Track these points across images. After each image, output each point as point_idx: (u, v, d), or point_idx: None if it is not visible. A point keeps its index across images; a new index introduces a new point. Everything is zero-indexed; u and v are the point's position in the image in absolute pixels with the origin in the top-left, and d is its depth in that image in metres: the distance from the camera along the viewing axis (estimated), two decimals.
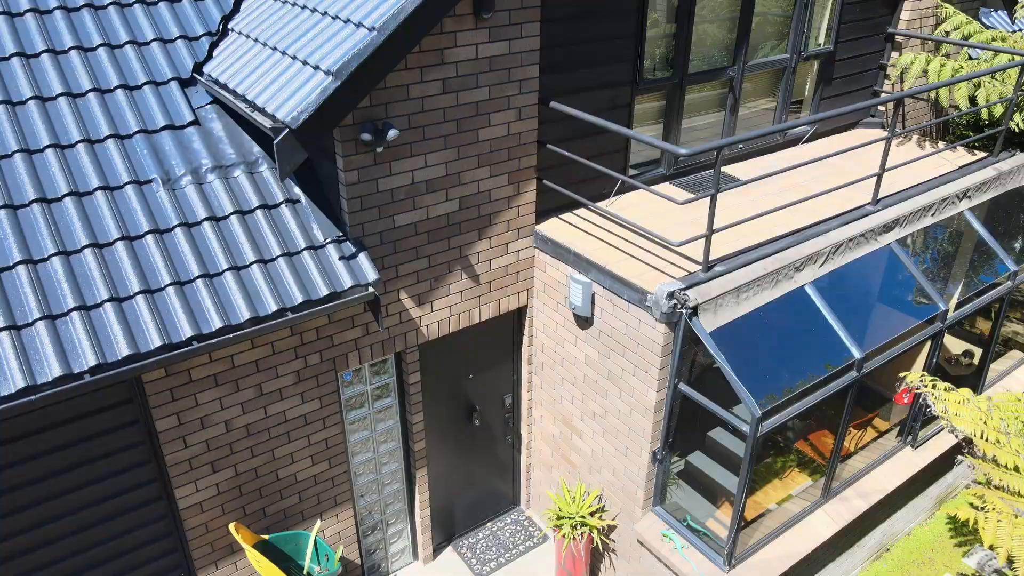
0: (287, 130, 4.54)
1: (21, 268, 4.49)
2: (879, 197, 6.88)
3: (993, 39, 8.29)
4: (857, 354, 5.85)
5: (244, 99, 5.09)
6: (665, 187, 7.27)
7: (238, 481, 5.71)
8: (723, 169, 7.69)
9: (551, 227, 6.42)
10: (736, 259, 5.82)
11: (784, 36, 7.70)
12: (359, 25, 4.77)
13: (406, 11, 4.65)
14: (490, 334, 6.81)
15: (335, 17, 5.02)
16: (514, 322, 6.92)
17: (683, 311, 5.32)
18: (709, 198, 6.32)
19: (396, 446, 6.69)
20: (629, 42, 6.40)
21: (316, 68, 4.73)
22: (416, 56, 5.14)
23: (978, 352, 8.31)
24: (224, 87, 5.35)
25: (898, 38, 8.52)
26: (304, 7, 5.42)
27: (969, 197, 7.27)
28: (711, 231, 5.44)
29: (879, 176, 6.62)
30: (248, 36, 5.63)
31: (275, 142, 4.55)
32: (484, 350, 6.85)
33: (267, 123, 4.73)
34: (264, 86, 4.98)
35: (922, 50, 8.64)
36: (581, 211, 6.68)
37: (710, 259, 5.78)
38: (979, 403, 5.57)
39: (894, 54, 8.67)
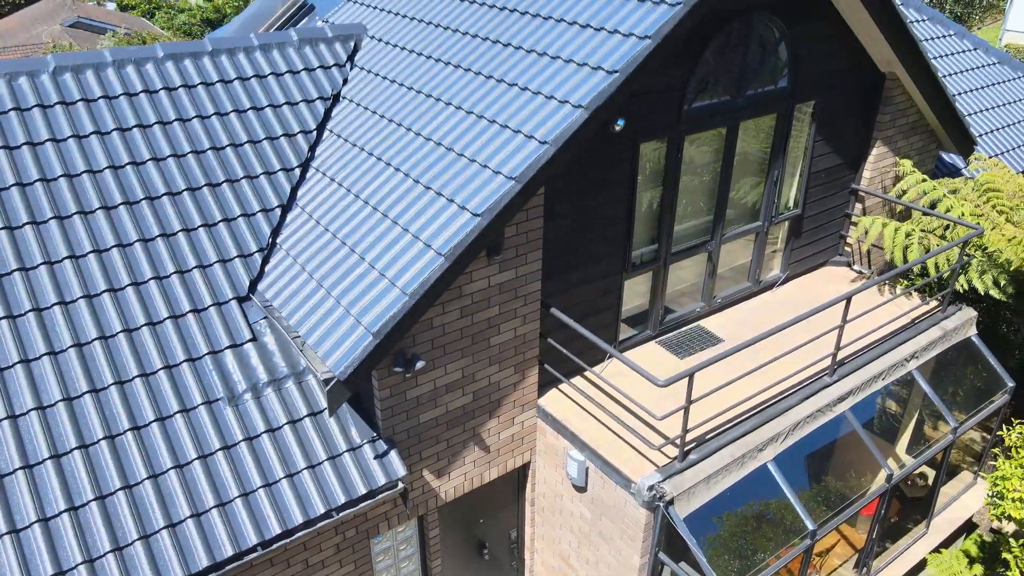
0: (336, 380, 5.59)
1: (121, 493, 5.54)
2: (837, 360, 7.88)
3: (945, 194, 9.30)
4: (810, 526, 6.89)
5: (295, 333, 6.13)
6: (651, 346, 8.31)
7: None
8: (702, 323, 8.73)
9: (552, 400, 7.46)
10: (709, 444, 6.85)
11: (757, 204, 8.73)
12: (393, 285, 5.82)
13: (430, 281, 5.70)
14: (499, 485, 7.85)
15: (372, 266, 6.06)
16: (519, 474, 7.96)
17: (660, 503, 6.36)
18: (689, 384, 7.33)
19: None
20: (618, 242, 7.44)
21: (358, 322, 5.77)
22: None
23: (932, 473, 9.35)
24: (277, 315, 6.40)
25: (861, 192, 9.56)
26: (343, 244, 6.47)
27: (917, 357, 8.31)
28: (686, 430, 6.48)
29: (836, 349, 7.62)
30: (295, 260, 6.67)
31: (327, 390, 5.60)
32: (493, 498, 7.90)
33: (318, 369, 5.78)
34: (313, 324, 6.04)
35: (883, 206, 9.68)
36: (578, 379, 7.71)
37: (686, 440, 6.81)
38: None
39: (858, 206, 9.71)
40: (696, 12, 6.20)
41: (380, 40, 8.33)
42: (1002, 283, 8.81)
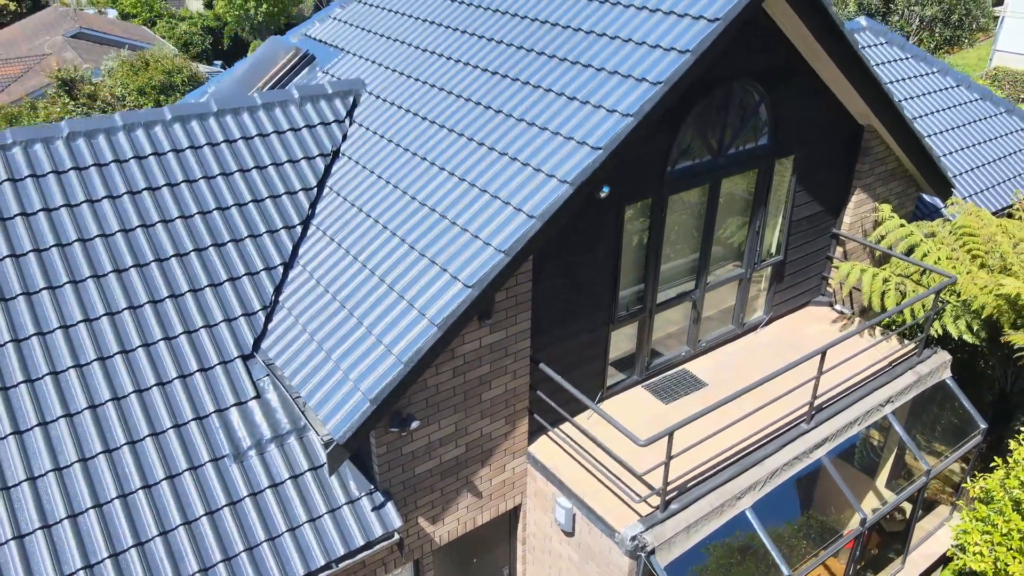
0: (335, 444, 5.95)
1: (133, 551, 5.91)
2: (814, 406, 8.24)
3: (922, 239, 9.66)
4: (786, 571, 7.26)
5: (297, 394, 6.50)
6: (638, 391, 8.67)
7: None
8: (686, 367, 9.09)
9: (541, 447, 7.83)
10: (690, 493, 7.22)
11: (740, 252, 9.09)
12: (389, 351, 6.18)
13: (424, 349, 6.06)
14: (491, 527, 8.22)
15: (369, 331, 6.42)
16: (511, 515, 8.33)
17: (642, 552, 6.74)
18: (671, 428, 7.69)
19: None
20: (605, 297, 7.80)
21: (356, 387, 6.14)
22: None
23: (910, 506, 9.71)
24: (280, 373, 6.76)
25: (842, 236, 9.92)
26: (342, 307, 6.83)
27: (892, 402, 8.67)
28: (667, 482, 6.85)
29: (813, 397, 7.98)
30: (297, 320, 7.04)
31: (327, 453, 5.97)
32: (486, 539, 8.26)
33: (319, 430, 6.15)
34: (313, 386, 6.40)
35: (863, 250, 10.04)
36: (566, 426, 8.07)
37: (668, 491, 7.17)
38: None
39: (839, 248, 10.07)
40: (676, 90, 6.57)
41: (378, 97, 8.68)
42: (975, 328, 9.17)
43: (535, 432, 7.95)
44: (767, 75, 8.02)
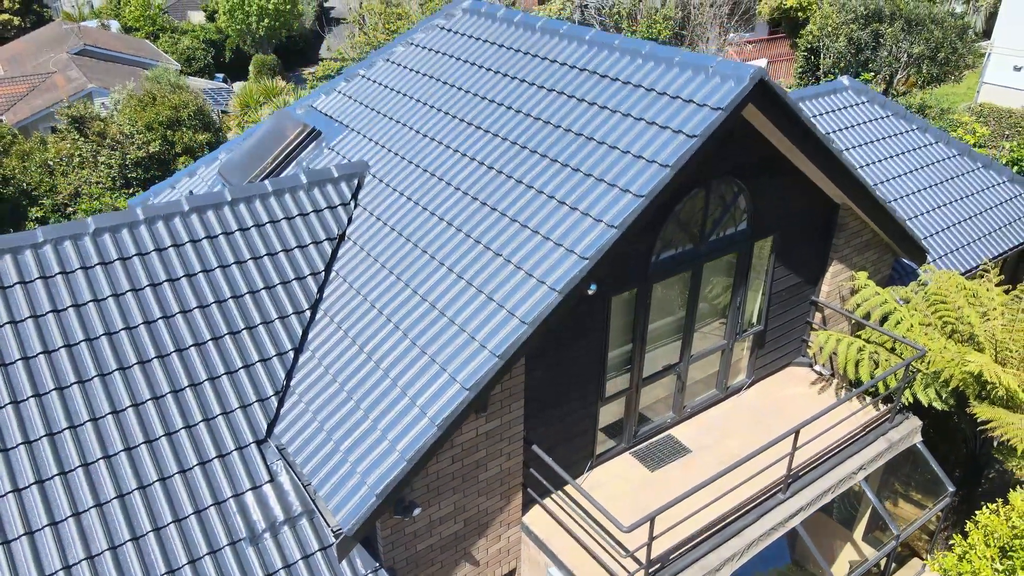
0: (344, 535, 6.52)
1: None
2: (791, 475, 8.81)
3: (897, 306, 10.22)
4: None
5: (308, 482, 7.06)
6: (626, 457, 9.24)
7: None
8: (672, 432, 9.67)
9: (535, 518, 8.40)
10: (673, 564, 7.79)
11: (723, 324, 9.65)
12: (393, 448, 6.74)
13: (426, 447, 6.63)
14: None
15: (375, 425, 6.99)
16: None
17: None
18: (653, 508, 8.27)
19: None
20: (593, 380, 8.37)
21: (363, 482, 6.70)
22: None
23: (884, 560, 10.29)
24: (292, 459, 7.32)
25: (820, 303, 10.48)
26: (350, 398, 7.39)
27: (864, 469, 9.24)
28: (649, 563, 7.42)
29: (788, 470, 8.54)
30: (308, 407, 7.59)
31: (336, 543, 6.54)
32: None
33: (329, 520, 6.71)
34: (323, 476, 6.97)
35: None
36: (558, 494, 8.64)
37: (650, 571, 7.74)
38: None
39: (818, 314, 10.63)
40: (658, 200, 7.12)
41: (381, 180, 9.24)
42: (944, 395, 9.74)
43: (529, 503, 8.51)
44: (746, 171, 8.57)
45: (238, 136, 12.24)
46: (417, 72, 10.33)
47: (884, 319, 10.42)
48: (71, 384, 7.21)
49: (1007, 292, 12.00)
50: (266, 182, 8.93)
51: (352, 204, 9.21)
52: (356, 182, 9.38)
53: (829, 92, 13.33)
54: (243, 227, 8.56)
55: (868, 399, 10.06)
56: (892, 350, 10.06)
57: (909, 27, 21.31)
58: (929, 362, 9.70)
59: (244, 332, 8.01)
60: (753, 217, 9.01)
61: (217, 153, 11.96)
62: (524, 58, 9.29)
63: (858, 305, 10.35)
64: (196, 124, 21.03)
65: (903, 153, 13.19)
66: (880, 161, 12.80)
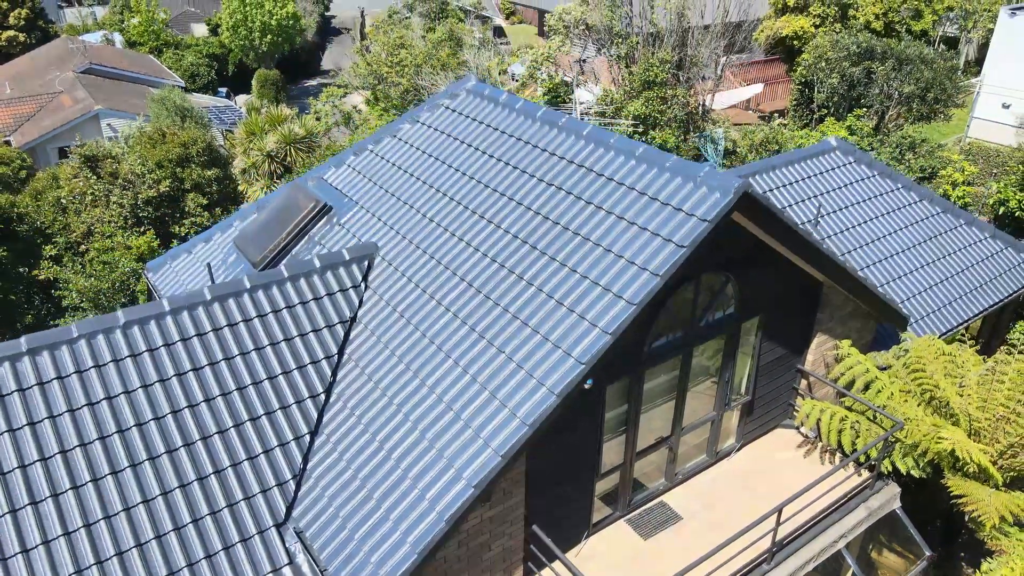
0: None
1: None
2: (775, 544, 9.38)
3: (878, 375, 10.79)
4: None
5: (324, 568, 7.64)
6: (620, 525, 9.82)
7: None
8: (665, 499, 10.24)
9: None
10: None
11: (713, 395, 10.23)
12: (405, 539, 7.31)
13: (435, 541, 7.20)
14: None
15: (387, 515, 7.56)
16: None
17: None
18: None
19: None
20: (590, 460, 8.94)
21: (377, 572, 7.26)
22: None
23: None
24: (308, 543, 7.89)
25: (805, 371, 11.05)
26: (363, 486, 7.95)
27: (845, 537, 9.82)
28: None
29: (772, 543, 9.11)
30: (324, 492, 8.16)
31: None
32: None
33: None
34: (338, 564, 7.54)
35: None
36: (557, 564, 9.21)
37: None
38: None
39: (804, 381, 11.21)
40: (646, 306, 7.69)
41: (390, 264, 9.80)
42: (922, 464, 10.31)
43: (529, 574, 9.09)
44: (734, 263, 9.13)
45: (249, 205, 12.80)
46: (423, 152, 10.89)
47: (867, 387, 10.98)
48: (104, 475, 7.77)
49: (986, 353, 12.57)
50: (282, 267, 9.49)
51: (363, 286, 9.77)
52: (366, 263, 9.94)
53: (817, 154, 13.89)
54: (261, 313, 9.12)
55: (852, 466, 10.62)
56: (873, 419, 10.62)
57: (900, 66, 21.87)
58: (907, 433, 10.27)
59: (264, 418, 8.58)
60: (740, 301, 9.57)
61: (232, 220, 12.52)
62: (525, 147, 9.84)
63: (842, 374, 10.91)
64: (205, 160, 21.57)
65: (888, 213, 13.74)
66: (865, 223, 13.35)
